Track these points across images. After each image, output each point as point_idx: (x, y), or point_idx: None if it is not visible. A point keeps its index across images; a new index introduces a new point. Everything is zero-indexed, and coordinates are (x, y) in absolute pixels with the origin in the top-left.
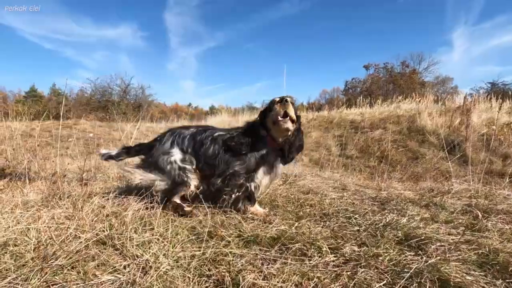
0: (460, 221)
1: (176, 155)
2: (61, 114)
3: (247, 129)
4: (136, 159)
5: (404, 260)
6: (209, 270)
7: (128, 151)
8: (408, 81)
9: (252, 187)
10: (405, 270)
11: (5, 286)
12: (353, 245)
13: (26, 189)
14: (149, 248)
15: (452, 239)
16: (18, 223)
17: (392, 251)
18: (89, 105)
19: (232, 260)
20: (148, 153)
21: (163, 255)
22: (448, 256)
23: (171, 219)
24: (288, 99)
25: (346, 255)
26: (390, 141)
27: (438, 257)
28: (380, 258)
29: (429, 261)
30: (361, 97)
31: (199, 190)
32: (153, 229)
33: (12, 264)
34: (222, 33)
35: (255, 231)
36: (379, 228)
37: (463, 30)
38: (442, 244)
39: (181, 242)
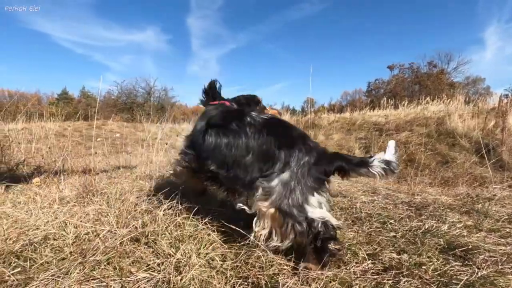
0: (507, 230)
1: None
2: (94, 115)
3: None
4: None
5: (451, 270)
6: (243, 272)
7: None
8: (435, 82)
9: None
10: (453, 281)
11: (48, 278)
12: (392, 252)
13: (61, 185)
14: (181, 247)
15: (502, 250)
16: (56, 217)
17: (435, 260)
18: (115, 106)
19: (265, 262)
20: None
21: (196, 254)
22: (501, 268)
23: (201, 217)
24: None
25: (385, 262)
26: (418, 144)
27: (490, 269)
28: (424, 267)
29: (480, 273)
30: (385, 99)
31: None
32: (183, 228)
33: (52, 257)
34: (243, 35)
35: None
36: (418, 235)
37: (495, 28)
38: (492, 254)
39: (211, 242)
